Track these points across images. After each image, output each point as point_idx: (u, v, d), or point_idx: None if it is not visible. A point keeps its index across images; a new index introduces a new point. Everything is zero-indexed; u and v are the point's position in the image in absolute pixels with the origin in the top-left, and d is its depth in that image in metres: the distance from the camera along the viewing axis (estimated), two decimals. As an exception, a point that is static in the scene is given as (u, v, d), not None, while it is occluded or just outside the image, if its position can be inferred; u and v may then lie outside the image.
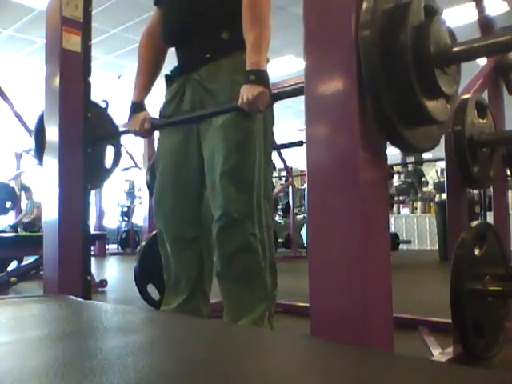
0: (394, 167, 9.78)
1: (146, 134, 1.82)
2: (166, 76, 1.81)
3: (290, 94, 1.53)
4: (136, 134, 1.82)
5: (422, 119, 1.13)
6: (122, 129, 2.31)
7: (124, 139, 2.78)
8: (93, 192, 6.79)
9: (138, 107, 1.81)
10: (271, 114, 1.71)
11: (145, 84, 1.84)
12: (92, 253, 4.27)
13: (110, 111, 2.44)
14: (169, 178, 1.76)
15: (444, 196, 7.02)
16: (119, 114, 2.50)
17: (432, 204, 9.91)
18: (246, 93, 1.47)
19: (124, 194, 11.50)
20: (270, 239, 1.66)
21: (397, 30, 1.07)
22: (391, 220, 10.80)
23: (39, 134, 2.28)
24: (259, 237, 1.60)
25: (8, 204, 6.97)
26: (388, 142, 1.15)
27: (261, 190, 1.63)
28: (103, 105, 2.41)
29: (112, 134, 2.33)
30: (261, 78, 1.49)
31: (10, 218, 8.01)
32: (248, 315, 1.57)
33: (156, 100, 1.85)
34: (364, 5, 1.07)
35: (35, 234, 4.76)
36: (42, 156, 2.00)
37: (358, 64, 1.07)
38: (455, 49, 1.13)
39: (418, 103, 1.08)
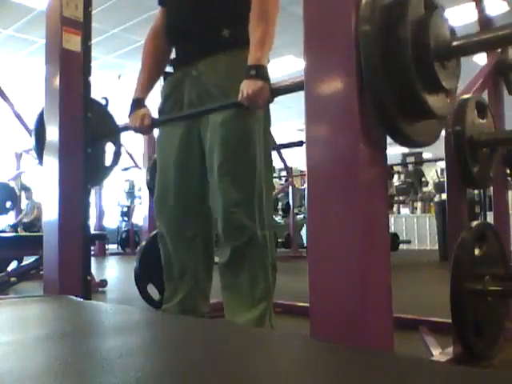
0: (394, 167, 9.78)
1: (145, 130, 1.82)
2: (165, 72, 1.82)
3: (290, 89, 1.52)
4: (136, 130, 1.82)
5: (422, 113, 1.13)
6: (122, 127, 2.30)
7: (124, 139, 2.78)
8: (93, 192, 6.80)
9: (138, 104, 1.82)
10: (268, 114, 1.72)
11: (147, 81, 1.84)
12: (92, 253, 4.27)
13: (109, 110, 2.44)
14: (170, 175, 1.77)
15: (444, 196, 7.02)
16: (119, 114, 2.50)
17: (432, 204, 9.91)
18: (247, 88, 1.48)
19: (124, 194, 11.50)
20: (271, 239, 1.66)
21: (396, 24, 1.07)
22: (391, 220, 10.80)
23: (39, 132, 2.27)
24: (262, 234, 1.61)
25: (8, 204, 6.97)
26: (388, 136, 1.15)
27: (262, 189, 1.63)
28: (103, 102, 2.41)
29: (112, 131, 2.32)
30: (261, 73, 1.50)
31: (10, 218, 8.00)
32: (249, 312, 1.57)
33: (156, 98, 1.86)
34: (364, 0, 1.07)
35: (35, 234, 4.76)
36: (41, 155, 1.99)
37: (358, 62, 1.07)
38: (455, 43, 1.13)
39: (418, 97, 1.08)
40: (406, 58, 1.05)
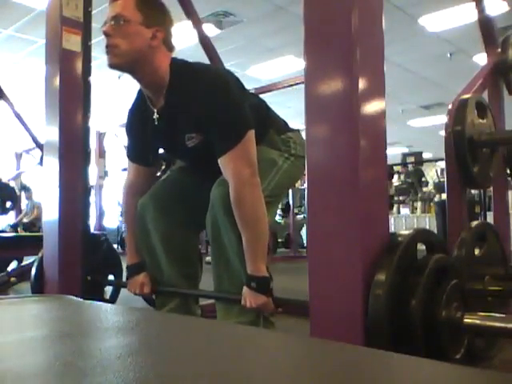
0: (394, 167, 9.78)
1: (145, 296, 1.81)
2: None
3: (297, 304, 1.53)
4: (136, 295, 1.81)
5: None
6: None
7: (123, 138, 2.78)
8: (93, 192, 6.78)
9: (135, 269, 1.78)
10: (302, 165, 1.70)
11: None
12: (92, 253, 4.25)
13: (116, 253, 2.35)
14: (173, 187, 1.79)
15: (444, 196, 7.02)
16: (119, 114, 2.50)
17: (432, 204, 9.91)
18: (249, 298, 1.46)
19: (124, 194, 11.47)
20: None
21: (407, 299, 1.07)
22: (391, 220, 10.80)
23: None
24: None
25: (8, 204, 6.96)
26: None
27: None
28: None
29: (113, 272, 2.30)
30: (262, 286, 1.47)
31: (10, 218, 8.00)
32: (238, 318, 1.56)
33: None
34: (377, 277, 1.06)
35: (35, 234, 4.76)
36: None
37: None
38: (467, 320, 1.14)
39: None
40: (415, 331, 1.05)
